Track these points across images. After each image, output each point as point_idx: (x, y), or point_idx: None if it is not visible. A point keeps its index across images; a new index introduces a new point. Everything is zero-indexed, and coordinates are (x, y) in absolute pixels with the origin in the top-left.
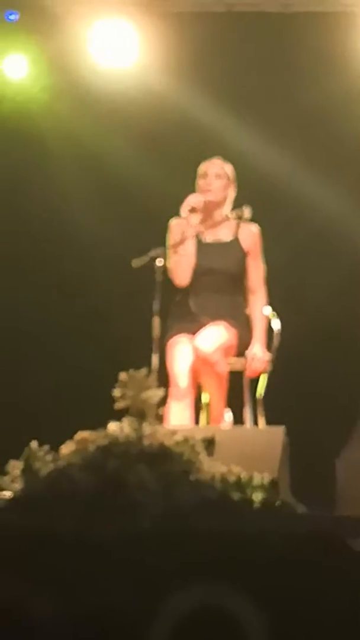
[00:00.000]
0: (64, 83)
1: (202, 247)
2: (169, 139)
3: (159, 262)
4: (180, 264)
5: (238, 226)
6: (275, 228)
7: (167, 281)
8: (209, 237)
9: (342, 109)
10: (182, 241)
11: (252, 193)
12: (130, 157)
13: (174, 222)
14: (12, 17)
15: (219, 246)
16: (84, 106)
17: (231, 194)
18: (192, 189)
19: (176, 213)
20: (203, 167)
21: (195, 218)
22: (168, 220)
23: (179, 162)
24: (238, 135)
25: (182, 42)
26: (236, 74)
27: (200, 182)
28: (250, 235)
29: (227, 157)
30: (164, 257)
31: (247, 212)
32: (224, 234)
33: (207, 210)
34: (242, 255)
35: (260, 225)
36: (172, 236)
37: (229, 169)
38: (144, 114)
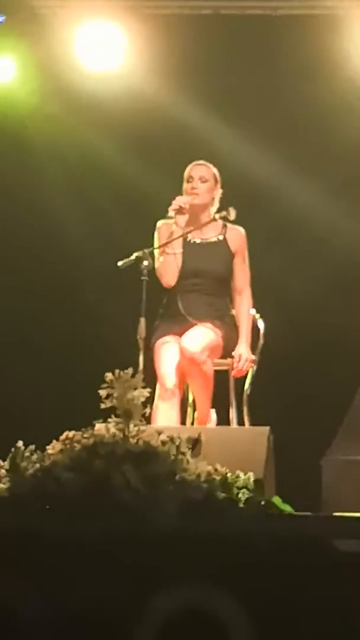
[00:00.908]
0: (51, 85)
1: (190, 247)
2: (157, 141)
3: (145, 263)
4: (168, 264)
5: (225, 227)
6: (261, 230)
7: (154, 282)
8: (196, 238)
9: (329, 110)
10: (169, 241)
11: (238, 195)
12: (118, 159)
13: (161, 223)
14: None
15: (207, 246)
16: (71, 108)
17: (217, 194)
18: (180, 191)
19: (164, 214)
20: (188, 171)
21: (183, 219)
22: (156, 222)
23: (167, 164)
24: (226, 137)
25: (169, 44)
26: (224, 76)
27: (186, 186)
28: (238, 236)
29: (214, 159)
30: (151, 258)
31: (232, 213)
32: (211, 234)
33: (194, 213)
34: (230, 256)
35: (245, 227)
36: (160, 236)
37: (212, 170)
38: (132, 116)
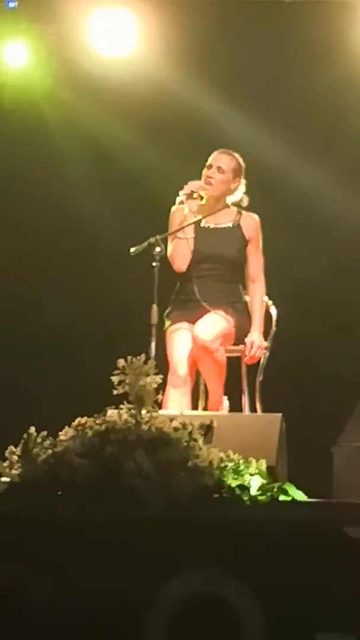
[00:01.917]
0: (64, 70)
1: (203, 232)
2: (169, 126)
3: (158, 249)
4: (179, 249)
5: (240, 214)
6: (273, 216)
7: (166, 268)
8: (209, 223)
9: (340, 97)
10: (181, 226)
11: (248, 179)
12: (131, 143)
13: (174, 208)
14: (11, 4)
15: (220, 231)
16: (84, 93)
17: (235, 186)
18: (191, 175)
19: (175, 199)
20: (211, 157)
21: (195, 204)
22: (168, 207)
23: (180, 149)
24: (236, 122)
25: (182, 29)
26: (235, 61)
27: (204, 172)
28: (252, 223)
29: (224, 143)
30: (163, 244)
31: (245, 199)
32: (225, 220)
33: (208, 199)
34: (244, 242)
35: (254, 211)
36: (173, 222)
37: (234, 162)
38: (144, 101)
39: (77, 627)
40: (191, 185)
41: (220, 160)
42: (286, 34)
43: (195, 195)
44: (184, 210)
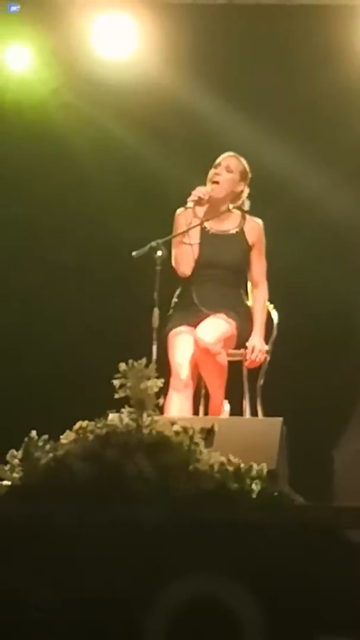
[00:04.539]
0: (66, 73)
1: (207, 238)
2: (171, 129)
3: (159, 253)
4: (184, 254)
5: (243, 219)
6: (276, 221)
7: (168, 272)
8: (214, 229)
9: (341, 101)
10: (187, 231)
11: (252, 185)
12: (133, 146)
13: (179, 212)
14: (14, 8)
15: (224, 237)
16: (86, 96)
17: (241, 189)
18: (192, 178)
19: (177, 202)
20: (219, 159)
21: (201, 209)
22: (169, 210)
23: (181, 152)
24: (237, 126)
25: (183, 34)
26: (236, 65)
27: (211, 171)
28: (255, 228)
29: (226, 147)
30: (166, 248)
31: (246, 203)
32: (229, 226)
33: (213, 203)
34: (247, 248)
35: (257, 215)
36: (178, 226)
37: (242, 165)
38: (146, 103)
39: (77, 631)
40: (199, 192)
41: (229, 161)
42: (288, 37)
43: (202, 202)
44: (188, 214)
